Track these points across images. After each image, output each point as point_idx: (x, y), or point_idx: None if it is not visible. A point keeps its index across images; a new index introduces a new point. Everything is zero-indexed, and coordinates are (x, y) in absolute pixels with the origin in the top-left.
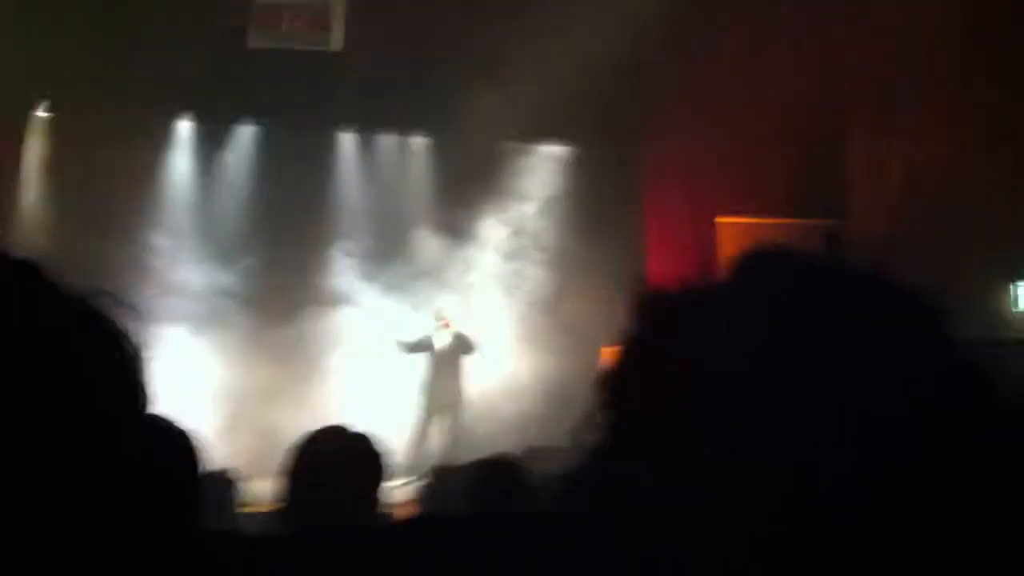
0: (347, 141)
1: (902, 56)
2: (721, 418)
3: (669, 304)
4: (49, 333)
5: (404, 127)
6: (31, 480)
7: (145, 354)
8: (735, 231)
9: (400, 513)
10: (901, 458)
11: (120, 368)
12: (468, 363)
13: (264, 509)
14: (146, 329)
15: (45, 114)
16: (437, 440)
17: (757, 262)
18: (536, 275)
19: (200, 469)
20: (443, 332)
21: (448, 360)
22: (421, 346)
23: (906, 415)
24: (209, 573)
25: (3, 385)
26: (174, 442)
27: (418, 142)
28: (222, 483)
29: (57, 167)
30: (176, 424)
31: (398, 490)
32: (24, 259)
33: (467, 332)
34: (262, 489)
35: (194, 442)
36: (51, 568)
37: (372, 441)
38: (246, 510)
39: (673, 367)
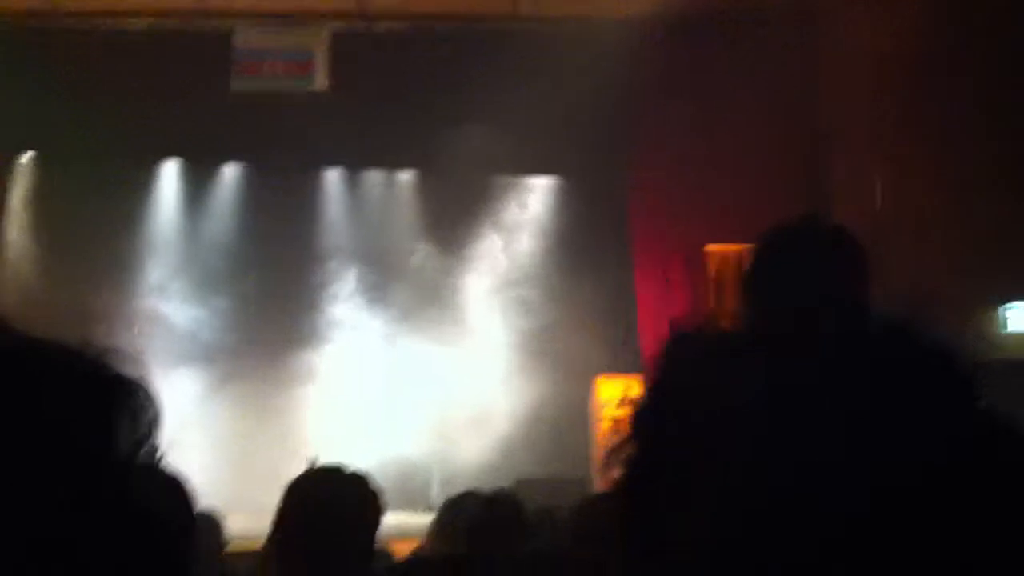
0: (333, 178)
1: (884, 81)
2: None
3: (703, 346)
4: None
5: (391, 164)
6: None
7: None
8: (725, 258)
9: (399, 549)
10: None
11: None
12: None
13: (249, 548)
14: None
15: (30, 156)
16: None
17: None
18: (526, 305)
19: (193, 519)
20: None
21: None
22: None
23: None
24: None
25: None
26: (173, 493)
27: (405, 177)
28: (209, 524)
29: (41, 211)
30: (172, 472)
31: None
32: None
33: None
34: (245, 526)
35: (189, 491)
36: None
37: (370, 481)
38: (232, 550)
39: (708, 411)
